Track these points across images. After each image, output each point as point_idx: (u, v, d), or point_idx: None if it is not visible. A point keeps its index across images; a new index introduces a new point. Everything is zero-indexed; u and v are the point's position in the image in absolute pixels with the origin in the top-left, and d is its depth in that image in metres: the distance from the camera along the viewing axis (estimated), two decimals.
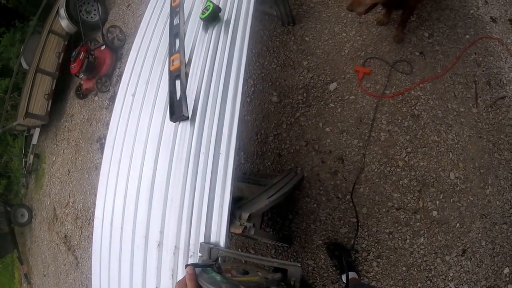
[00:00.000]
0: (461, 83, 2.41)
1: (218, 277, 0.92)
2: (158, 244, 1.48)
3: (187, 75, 1.64)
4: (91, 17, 5.08)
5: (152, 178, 1.57)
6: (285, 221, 2.46)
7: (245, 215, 1.37)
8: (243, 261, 1.37)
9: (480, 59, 2.45)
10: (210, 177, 1.37)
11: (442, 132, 2.34)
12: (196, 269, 0.95)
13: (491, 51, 2.46)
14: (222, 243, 1.29)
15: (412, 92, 2.48)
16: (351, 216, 2.34)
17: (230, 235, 1.50)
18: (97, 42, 4.78)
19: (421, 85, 2.47)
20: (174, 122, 1.56)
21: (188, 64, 1.67)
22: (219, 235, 1.31)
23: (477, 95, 2.37)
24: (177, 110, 1.54)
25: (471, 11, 2.58)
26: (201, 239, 1.34)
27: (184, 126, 1.54)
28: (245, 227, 1.32)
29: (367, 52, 2.70)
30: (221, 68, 1.56)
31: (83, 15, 4.93)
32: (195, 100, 1.55)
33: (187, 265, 0.95)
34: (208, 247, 1.22)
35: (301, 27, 2.98)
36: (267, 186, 1.79)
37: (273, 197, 1.61)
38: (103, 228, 1.78)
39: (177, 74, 1.62)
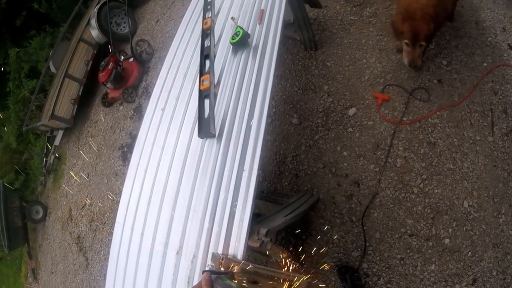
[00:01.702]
0: (477, 111, 2.45)
1: (233, 284, 1.03)
2: (177, 252, 1.55)
3: (215, 95, 1.75)
4: (121, 29, 5.32)
5: (177, 188, 1.66)
6: (298, 241, 2.50)
7: (263, 230, 1.44)
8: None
9: (497, 87, 2.49)
10: (232, 192, 1.46)
11: (457, 160, 2.36)
12: (212, 275, 1.04)
13: (508, 79, 2.50)
14: (239, 255, 1.36)
15: (429, 119, 2.52)
16: (363, 240, 2.36)
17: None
18: (125, 54, 4.99)
19: (438, 112, 2.51)
20: (201, 138, 1.66)
21: (217, 85, 1.79)
22: (238, 247, 1.38)
23: (493, 124, 2.39)
24: (205, 127, 1.64)
25: (489, 39, 2.63)
26: (220, 250, 1.40)
27: (210, 142, 1.64)
28: (263, 241, 1.39)
29: (386, 79, 2.77)
30: (248, 91, 1.67)
31: (113, 26, 5.18)
32: (222, 119, 1.65)
33: (204, 271, 1.05)
34: (221, 257, 1.29)
35: (323, 52, 3.09)
36: (284, 205, 1.86)
37: (289, 215, 1.68)
38: (123, 232, 1.86)
39: (207, 94, 1.73)
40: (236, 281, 1.09)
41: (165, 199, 1.70)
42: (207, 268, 1.41)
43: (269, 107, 1.55)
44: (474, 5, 2.83)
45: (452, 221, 2.23)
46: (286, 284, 1.34)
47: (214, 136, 1.63)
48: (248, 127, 1.55)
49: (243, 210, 1.41)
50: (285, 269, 1.55)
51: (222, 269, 1.28)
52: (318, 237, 2.47)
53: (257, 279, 1.21)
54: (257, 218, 1.66)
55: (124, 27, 5.35)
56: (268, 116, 1.54)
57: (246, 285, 1.24)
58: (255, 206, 1.92)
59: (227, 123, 1.63)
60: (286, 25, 1.94)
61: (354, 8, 3.27)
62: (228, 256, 1.34)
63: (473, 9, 2.82)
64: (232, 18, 1.93)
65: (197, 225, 1.51)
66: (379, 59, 2.89)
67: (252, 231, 1.44)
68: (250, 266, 1.31)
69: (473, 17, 2.78)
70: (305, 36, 2.92)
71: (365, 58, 2.93)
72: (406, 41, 2.16)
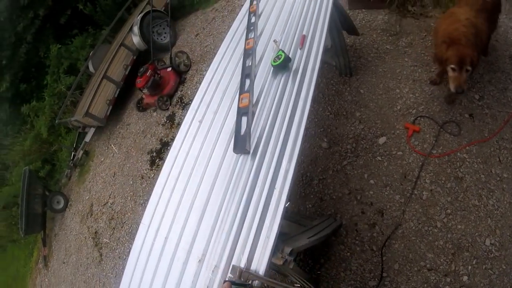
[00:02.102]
0: (507, 148, 2.42)
1: None
2: (199, 260, 1.59)
3: (253, 114, 1.82)
4: (161, 39, 5.56)
5: (207, 199, 1.72)
6: (316, 264, 2.50)
7: (288, 249, 1.47)
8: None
9: None
10: (262, 209, 1.50)
11: (483, 196, 2.33)
12: (232, 286, 1.09)
13: None
14: (262, 271, 1.38)
15: (458, 154, 2.51)
16: (383, 270, 2.33)
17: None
18: (163, 63, 5.20)
19: (467, 147, 2.50)
20: (236, 153, 1.73)
21: (255, 104, 1.86)
22: (261, 263, 1.40)
23: None
24: (241, 144, 1.71)
25: None
26: (242, 264, 1.44)
27: (245, 158, 1.70)
28: (286, 259, 1.42)
29: (418, 110, 2.78)
30: (285, 113, 1.74)
31: (154, 35, 5.42)
32: (258, 138, 1.72)
33: (225, 281, 1.09)
34: (240, 269, 1.33)
35: (357, 79, 3.13)
36: (308, 227, 1.89)
37: (313, 238, 1.71)
38: (147, 235, 1.92)
39: (245, 112, 1.81)
40: None
41: (193, 208, 1.76)
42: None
43: (304, 131, 1.60)
44: (508, 39, 2.83)
45: (473, 258, 2.19)
46: None
47: (248, 152, 1.69)
48: (283, 147, 1.60)
49: (270, 227, 1.44)
50: None
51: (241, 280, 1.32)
52: (337, 263, 2.46)
53: None
54: (280, 237, 1.69)
55: (164, 37, 5.59)
56: (304, 139, 1.59)
57: None
58: None
59: (263, 141, 1.69)
60: (324, 51, 2.01)
61: (390, 38, 3.31)
62: (250, 271, 1.38)
63: (508, 44, 2.81)
64: (275, 41, 2.02)
65: (223, 236, 1.55)
66: (413, 89, 2.90)
67: (276, 248, 1.47)
68: (270, 281, 1.34)
69: (507, 51, 2.78)
70: (341, 62, 2.98)
71: (398, 88, 2.95)
72: (452, 66, 2.17)
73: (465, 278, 2.16)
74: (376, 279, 2.32)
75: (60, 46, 7.72)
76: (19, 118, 9.19)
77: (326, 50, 2.83)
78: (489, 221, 2.26)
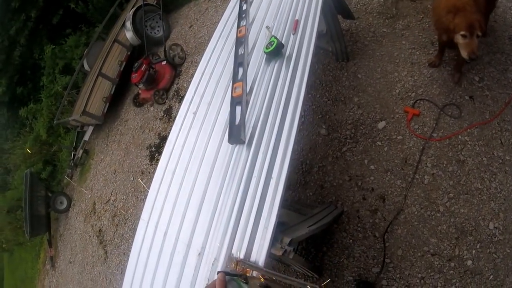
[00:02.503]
0: (508, 130, 2.37)
1: (245, 287, 1.05)
2: (199, 254, 1.57)
3: (247, 102, 1.78)
4: (155, 33, 5.50)
5: (204, 192, 1.70)
6: (318, 253, 2.48)
7: (287, 240, 1.45)
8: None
9: None
10: (259, 199, 1.47)
11: (485, 179, 2.29)
12: (226, 276, 1.08)
13: None
14: (261, 262, 1.36)
15: (460, 136, 2.46)
16: (386, 256, 2.31)
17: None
18: (158, 57, 5.15)
19: (468, 130, 2.45)
20: (231, 144, 1.70)
21: (249, 93, 1.82)
22: (260, 254, 1.38)
23: None
24: (236, 134, 1.67)
25: None
26: (242, 256, 1.42)
27: (240, 149, 1.67)
28: (285, 250, 1.39)
29: (418, 94, 2.72)
30: (280, 100, 1.69)
31: (147, 30, 5.36)
32: (253, 127, 1.68)
33: (219, 272, 1.08)
34: (236, 260, 1.32)
35: (355, 63, 3.07)
36: (308, 216, 1.86)
37: (313, 226, 1.68)
38: (147, 230, 1.91)
39: (239, 101, 1.77)
40: (248, 284, 1.11)
41: (191, 201, 1.74)
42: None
43: (300, 118, 1.56)
44: (507, 20, 2.76)
45: (476, 242, 2.16)
46: None
47: (243, 142, 1.66)
48: (278, 135, 1.56)
49: (268, 217, 1.42)
50: (302, 279, 1.55)
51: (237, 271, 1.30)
52: (339, 250, 2.44)
53: (270, 285, 1.23)
54: (280, 226, 1.66)
55: (158, 30, 5.53)
56: (299, 126, 1.55)
57: None
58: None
59: (258, 130, 1.65)
60: (318, 36, 1.95)
61: (387, 21, 3.24)
62: (246, 261, 1.36)
63: (507, 24, 2.74)
64: (267, 27, 1.97)
65: (221, 229, 1.53)
66: (411, 72, 2.84)
67: (275, 239, 1.44)
68: (264, 270, 1.32)
69: (506, 32, 2.70)
70: (337, 47, 2.92)
71: (396, 72, 2.89)
72: (462, 33, 2.11)
73: (469, 262, 2.13)
74: (380, 265, 2.30)
75: (54, 46, 7.69)
76: (18, 121, 9.21)
77: (321, 35, 2.78)
78: (492, 204, 2.22)
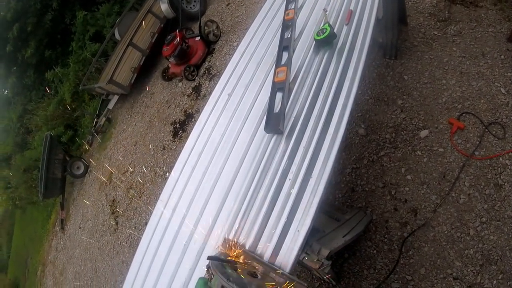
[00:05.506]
0: None
1: (233, 274, 1.06)
2: (217, 247, 1.45)
3: (290, 90, 1.64)
4: (191, 7, 5.36)
5: (231, 180, 1.57)
6: (339, 258, 2.36)
7: (325, 252, 1.31)
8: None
9: None
10: (293, 198, 1.34)
11: None
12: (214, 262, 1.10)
13: None
14: (288, 268, 1.24)
15: (501, 159, 2.31)
16: (407, 273, 2.20)
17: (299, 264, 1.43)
18: (192, 32, 5.03)
19: (510, 153, 2.30)
20: (267, 133, 1.56)
21: (293, 81, 1.67)
22: (288, 259, 1.25)
23: None
24: (274, 122, 1.54)
25: None
26: (266, 258, 1.29)
27: (277, 139, 1.53)
28: (322, 263, 1.25)
29: (464, 106, 2.55)
30: (328, 93, 1.54)
31: (183, 3, 5.23)
32: (295, 117, 1.54)
33: (209, 256, 1.12)
34: (230, 242, 1.30)
35: (401, 63, 2.89)
36: (341, 222, 1.72)
37: (348, 236, 1.54)
38: (164, 213, 1.79)
39: (281, 87, 1.62)
40: (235, 271, 1.10)
41: (216, 188, 1.62)
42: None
43: (350, 115, 1.40)
44: None
45: (500, 273, 2.04)
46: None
47: (281, 133, 1.52)
48: (323, 131, 1.42)
49: (302, 220, 1.28)
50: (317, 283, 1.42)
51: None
52: (361, 259, 2.33)
53: (258, 273, 1.16)
54: (315, 233, 1.53)
55: (194, 5, 5.39)
56: (348, 124, 1.40)
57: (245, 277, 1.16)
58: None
59: (300, 122, 1.51)
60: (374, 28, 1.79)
61: (438, 23, 3.05)
62: (245, 249, 1.27)
63: None
64: (324, 10, 1.80)
65: (247, 224, 1.41)
66: (459, 82, 2.66)
67: (312, 249, 1.31)
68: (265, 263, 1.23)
69: None
70: (388, 40, 2.72)
71: (444, 79, 2.70)
72: None
73: None
74: (400, 282, 2.18)
75: (86, 13, 7.70)
76: (43, 84, 9.33)
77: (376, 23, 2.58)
78: None
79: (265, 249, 1.31)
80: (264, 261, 1.26)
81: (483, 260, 2.09)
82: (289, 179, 1.38)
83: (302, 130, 1.48)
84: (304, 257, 1.28)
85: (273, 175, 1.44)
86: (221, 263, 1.13)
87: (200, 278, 1.24)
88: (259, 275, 1.15)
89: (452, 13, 3.05)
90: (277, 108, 1.58)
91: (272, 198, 1.39)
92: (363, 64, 1.58)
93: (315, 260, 1.25)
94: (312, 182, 1.33)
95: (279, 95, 1.62)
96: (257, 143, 1.59)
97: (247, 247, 1.37)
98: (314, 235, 1.36)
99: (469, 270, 2.10)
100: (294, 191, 1.35)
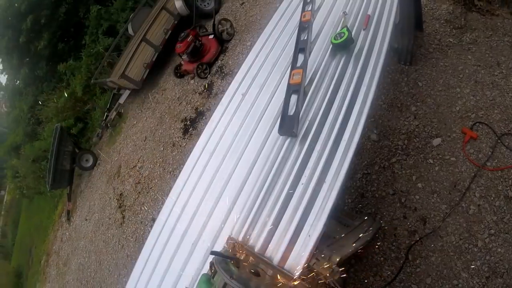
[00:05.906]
0: None
1: (234, 270, 1.08)
2: (227, 248, 1.46)
3: (306, 93, 1.63)
4: (205, 5, 5.38)
5: (243, 182, 1.56)
6: (345, 265, 2.34)
7: (336, 258, 1.30)
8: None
9: None
10: (306, 203, 1.33)
11: None
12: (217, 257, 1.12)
13: None
14: (297, 272, 1.23)
15: None
16: (413, 281, 2.18)
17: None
18: (205, 30, 5.04)
19: None
20: (281, 135, 1.56)
21: (309, 84, 1.66)
22: (297, 263, 1.25)
23: None
24: (288, 125, 1.53)
25: None
26: (276, 262, 1.29)
27: (291, 142, 1.52)
28: (333, 270, 1.24)
29: (478, 115, 2.53)
30: (344, 97, 1.53)
31: (197, 1, 5.24)
32: (309, 121, 1.53)
33: (212, 251, 1.14)
34: (234, 244, 1.28)
35: (416, 70, 2.86)
36: (351, 228, 1.71)
37: (358, 243, 1.53)
38: (172, 211, 1.78)
39: (296, 89, 1.62)
40: (238, 268, 1.12)
41: (226, 189, 1.62)
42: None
43: (366, 121, 1.39)
44: None
45: (505, 286, 2.02)
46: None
47: (295, 136, 1.51)
48: (338, 137, 1.41)
49: (314, 225, 1.28)
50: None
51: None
52: (368, 266, 2.31)
53: (261, 272, 1.16)
54: (325, 239, 1.51)
55: (208, 3, 5.41)
56: (364, 129, 1.39)
57: (247, 275, 1.17)
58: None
59: (315, 126, 1.50)
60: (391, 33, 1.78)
61: (454, 30, 3.02)
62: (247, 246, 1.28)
63: None
64: (344, 13, 1.79)
65: (257, 227, 1.40)
66: (474, 91, 2.63)
67: (322, 255, 1.31)
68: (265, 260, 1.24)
69: None
70: (404, 45, 2.70)
71: (459, 87, 2.67)
72: None
73: None
74: None
75: (100, 7, 7.75)
76: (55, 76, 9.43)
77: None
78: None
79: (275, 252, 1.31)
80: (273, 264, 1.26)
81: (490, 273, 2.07)
82: (302, 183, 1.38)
83: (317, 134, 1.48)
84: (314, 262, 1.27)
85: (286, 178, 1.43)
86: (224, 260, 1.14)
87: (203, 274, 1.25)
88: (264, 274, 1.15)
89: (468, 20, 3.01)
90: (291, 110, 1.58)
91: (284, 201, 1.39)
92: (380, 71, 1.58)
93: (326, 266, 1.24)
94: (325, 187, 1.33)
95: (294, 98, 1.62)
96: (270, 145, 1.58)
97: (256, 250, 1.36)
98: (323, 240, 1.35)
99: (474, 282, 2.08)
100: (306, 196, 1.34)
